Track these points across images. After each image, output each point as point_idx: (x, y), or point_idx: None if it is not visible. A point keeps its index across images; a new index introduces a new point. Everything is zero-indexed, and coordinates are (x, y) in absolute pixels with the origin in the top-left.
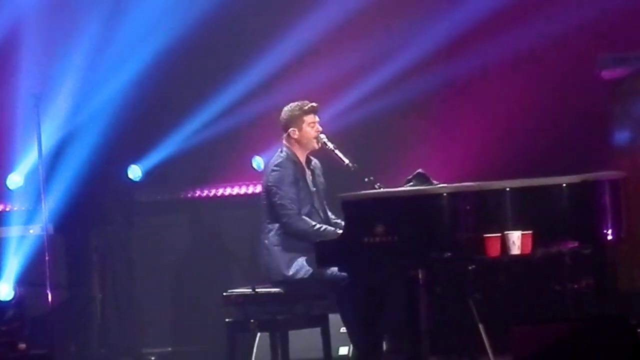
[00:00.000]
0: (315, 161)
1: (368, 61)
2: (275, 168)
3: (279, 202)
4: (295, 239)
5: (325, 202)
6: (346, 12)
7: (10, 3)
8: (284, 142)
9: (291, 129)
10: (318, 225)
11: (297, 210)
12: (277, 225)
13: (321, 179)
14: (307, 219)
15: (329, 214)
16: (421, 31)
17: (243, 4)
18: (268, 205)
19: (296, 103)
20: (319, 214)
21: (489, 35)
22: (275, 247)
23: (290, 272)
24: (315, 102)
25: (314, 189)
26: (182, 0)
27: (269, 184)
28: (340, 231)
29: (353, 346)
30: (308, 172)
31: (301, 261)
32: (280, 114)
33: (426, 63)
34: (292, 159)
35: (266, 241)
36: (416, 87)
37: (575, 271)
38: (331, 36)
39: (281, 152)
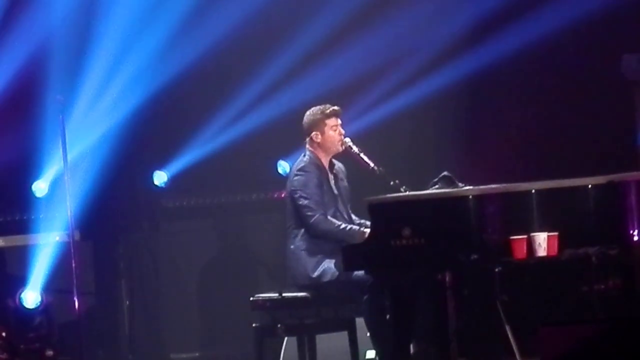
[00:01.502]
0: (338, 165)
1: (391, 60)
2: (298, 172)
3: (303, 204)
4: (322, 242)
5: (349, 206)
6: (366, 9)
7: (38, 11)
8: (307, 146)
9: (314, 132)
10: (343, 225)
11: (323, 212)
12: (302, 229)
13: (344, 183)
14: (332, 219)
15: (353, 216)
16: (441, 28)
17: (266, 7)
18: (293, 209)
19: (318, 107)
20: (343, 217)
21: (511, 35)
22: (302, 252)
23: (316, 274)
24: (337, 106)
25: (337, 192)
26: (208, 6)
27: (293, 188)
28: (366, 229)
29: (376, 351)
30: (331, 176)
31: (327, 264)
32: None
33: (449, 62)
34: (316, 163)
35: (292, 246)
36: (436, 87)
37: (602, 272)
38: (351, 35)
39: (304, 156)
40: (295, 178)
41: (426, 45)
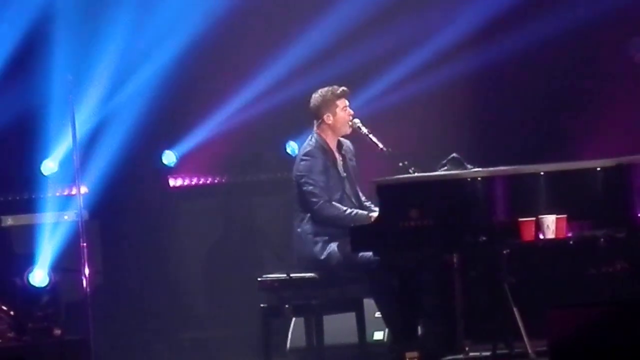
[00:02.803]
0: (347, 144)
1: (401, 46)
2: (304, 157)
3: (308, 190)
4: (328, 226)
5: (357, 186)
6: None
7: None
8: (315, 129)
9: (325, 114)
10: (349, 210)
11: (327, 198)
12: (308, 214)
13: (353, 163)
14: (337, 204)
15: (362, 197)
16: (451, 17)
17: None
18: (299, 194)
19: (327, 88)
20: (350, 200)
21: (520, 20)
22: (308, 235)
23: (323, 257)
24: (345, 87)
25: (345, 174)
26: None
27: (298, 173)
28: (373, 214)
29: (389, 330)
30: (339, 158)
31: (334, 246)
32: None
33: (459, 48)
34: (322, 147)
35: (299, 229)
36: (448, 72)
37: (610, 255)
38: (361, 22)
39: (311, 139)
40: (302, 163)
41: (439, 32)
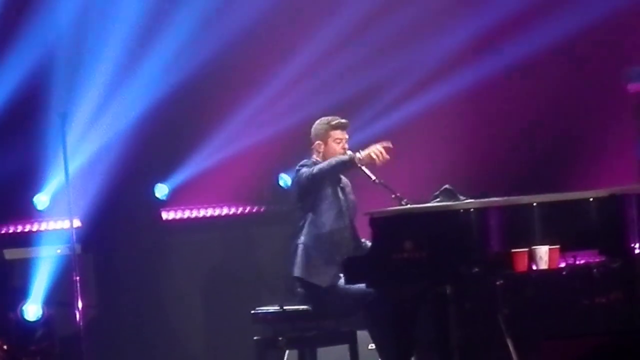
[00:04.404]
0: (344, 179)
1: (392, 73)
2: (300, 166)
3: (303, 172)
4: (324, 244)
5: (355, 221)
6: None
7: (38, 24)
8: (313, 154)
9: (317, 142)
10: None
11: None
12: (307, 227)
13: (351, 197)
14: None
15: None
16: (436, 42)
17: (270, 17)
18: (300, 208)
19: (327, 117)
20: (346, 223)
21: (509, 44)
22: (301, 246)
23: (313, 280)
24: (345, 119)
25: (342, 198)
26: (208, 21)
27: (297, 178)
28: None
29: None
30: (338, 188)
31: (328, 271)
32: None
33: (445, 71)
34: None
35: (297, 239)
36: (437, 101)
37: (604, 285)
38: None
39: (308, 160)
40: (298, 170)
41: (428, 57)
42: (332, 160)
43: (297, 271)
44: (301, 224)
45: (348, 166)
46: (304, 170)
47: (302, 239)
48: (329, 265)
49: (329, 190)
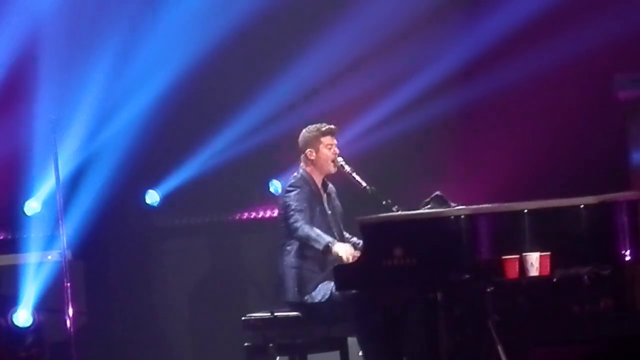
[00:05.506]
0: (331, 185)
1: (387, 83)
2: (289, 188)
3: (291, 212)
4: (312, 261)
5: (341, 226)
6: (365, 34)
7: (27, 29)
8: (302, 163)
9: (308, 150)
10: (327, 237)
11: (308, 220)
12: (295, 247)
13: (337, 202)
14: (314, 228)
15: (346, 234)
16: (439, 55)
17: (261, 27)
18: (285, 227)
19: (315, 125)
20: (334, 236)
21: (507, 59)
22: (293, 270)
23: (306, 297)
24: (334, 125)
25: (330, 212)
26: (199, 24)
27: (285, 201)
28: (350, 245)
29: None
30: (324, 195)
31: (320, 285)
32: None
33: (444, 86)
34: (308, 180)
35: (284, 262)
36: (434, 110)
37: (594, 292)
38: (350, 59)
39: (296, 173)
40: (287, 194)
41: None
42: (313, 238)
43: (290, 296)
44: (288, 248)
45: (322, 251)
46: (292, 203)
47: (292, 261)
48: (323, 281)
49: (316, 210)
